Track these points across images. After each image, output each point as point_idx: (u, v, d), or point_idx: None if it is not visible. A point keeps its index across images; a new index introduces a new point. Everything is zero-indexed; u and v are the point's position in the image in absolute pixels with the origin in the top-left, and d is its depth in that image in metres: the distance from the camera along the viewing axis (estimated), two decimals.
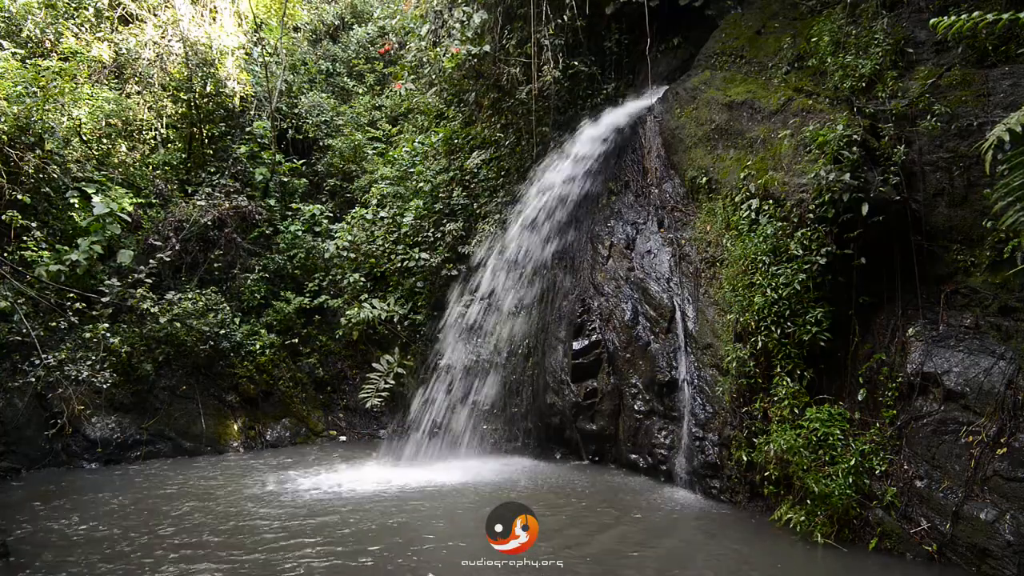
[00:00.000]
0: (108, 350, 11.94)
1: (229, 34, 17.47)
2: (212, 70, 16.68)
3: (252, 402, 13.55)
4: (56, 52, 15.01)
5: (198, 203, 14.79)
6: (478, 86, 14.02)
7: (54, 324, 11.90)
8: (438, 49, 14.28)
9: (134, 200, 13.93)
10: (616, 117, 12.12)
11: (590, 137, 12.08)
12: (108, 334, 11.99)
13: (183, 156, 16.63)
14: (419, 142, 16.69)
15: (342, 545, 7.40)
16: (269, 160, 16.87)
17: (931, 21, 6.59)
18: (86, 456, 11.57)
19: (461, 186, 14.98)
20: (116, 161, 14.79)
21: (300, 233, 15.91)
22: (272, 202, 16.48)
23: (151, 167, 15.83)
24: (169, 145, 16.67)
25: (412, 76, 16.27)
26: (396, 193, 16.02)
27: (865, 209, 7.61)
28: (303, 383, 14.43)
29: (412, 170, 16.07)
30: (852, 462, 7.31)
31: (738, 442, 8.66)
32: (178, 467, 11.50)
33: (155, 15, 16.84)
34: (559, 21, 12.71)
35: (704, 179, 10.23)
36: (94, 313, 12.34)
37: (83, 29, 15.95)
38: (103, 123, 14.65)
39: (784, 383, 8.17)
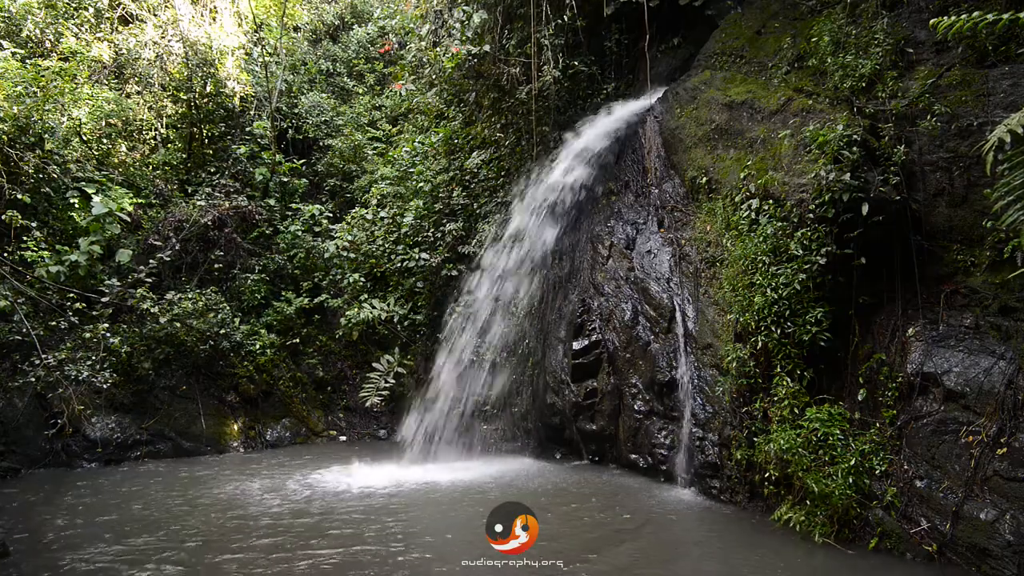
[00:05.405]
0: (108, 350, 11.94)
1: (229, 34, 17.49)
2: (212, 70, 16.68)
3: (252, 402, 13.55)
4: (56, 52, 15.02)
5: (198, 203, 14.79)
6: (478, 86, 14.01)
7: (54, 324, 11.91)
8: (438, 49, 14.28)
9: (134, 200, 13.94)
10: (616, 117, 12.11)
11: (590, 137, 12.07)
12: (108, 334, 11.99)
13: (183, 156, 16.64)
14: (419, 142, 16.69)
15: (341, 544, 7.40)
16: (269, 160, 16.88)
17: (931, 21, 6.60)
18: (86, 456, 11.57)
19: (461, 186, 14.98)
20: (116, 161, 14.81)
21: (300, 233, 15.91)
22: (272, 202, 16.48)
23: (151, 167, 15.85)
24: (169, 145, 16.67)
25: (412, 76, 16.26)
26: (396, 193, 16.01)
27: (865, 209, 7.61)
28: (303, 383, 14.42)
29: (412, 170, 16.06)
30: (852, 462, 7.31)
31: (738, 442, 8.66)
32: (178, 467, 11.50)
33: (155, 15, 16.86)
34: (559, 21, 12.71)
35: (704, 179, 10.24)
36: (94, 313, 12.34)
37: (83, 29, 15.96)
38: (103, 123, 14.66)
39: (784, 383, 8.17)
